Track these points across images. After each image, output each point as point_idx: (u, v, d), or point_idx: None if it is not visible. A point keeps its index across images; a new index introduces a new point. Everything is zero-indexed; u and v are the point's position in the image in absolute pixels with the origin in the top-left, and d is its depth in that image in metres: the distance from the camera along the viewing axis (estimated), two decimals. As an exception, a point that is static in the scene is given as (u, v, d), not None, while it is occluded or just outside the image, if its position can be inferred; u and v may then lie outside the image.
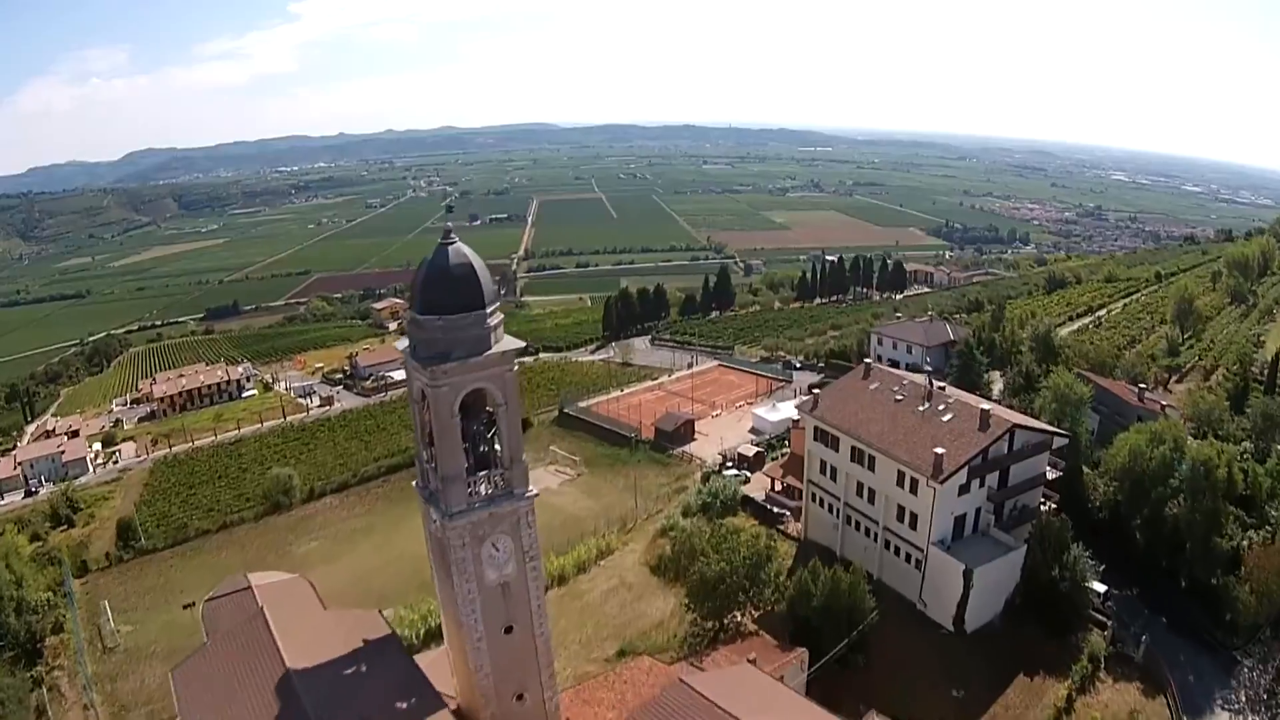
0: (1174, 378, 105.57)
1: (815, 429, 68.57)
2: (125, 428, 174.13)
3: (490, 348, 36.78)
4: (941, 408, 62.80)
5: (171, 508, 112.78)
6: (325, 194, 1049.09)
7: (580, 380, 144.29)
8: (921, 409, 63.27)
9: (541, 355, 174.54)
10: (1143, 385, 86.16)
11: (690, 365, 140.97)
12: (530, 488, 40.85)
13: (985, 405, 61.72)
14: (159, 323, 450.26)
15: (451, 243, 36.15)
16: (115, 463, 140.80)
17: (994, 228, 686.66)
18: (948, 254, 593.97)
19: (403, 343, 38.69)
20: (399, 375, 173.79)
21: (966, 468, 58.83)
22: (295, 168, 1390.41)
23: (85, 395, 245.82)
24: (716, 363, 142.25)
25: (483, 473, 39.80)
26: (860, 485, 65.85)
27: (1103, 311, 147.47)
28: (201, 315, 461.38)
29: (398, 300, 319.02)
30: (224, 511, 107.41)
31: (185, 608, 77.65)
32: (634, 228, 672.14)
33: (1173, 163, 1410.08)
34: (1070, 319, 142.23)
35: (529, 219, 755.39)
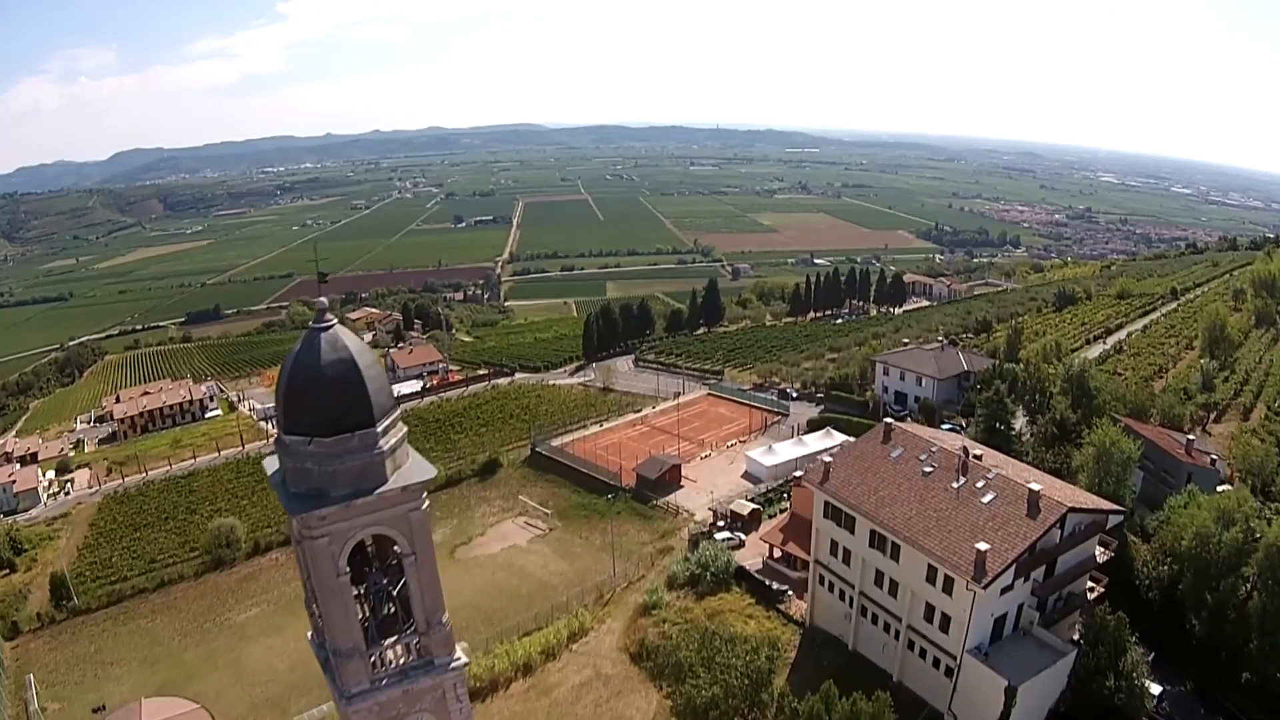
0: (1212, 416, 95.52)
1: (826, 504, 57.75)
2: (85, 450, 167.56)
3: (386, 480, 25.81)
4: (980, 485, 52.15)
5: (113, 554, 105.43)
6: (311, 195, 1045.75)
7: (556, 409, 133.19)
8: (956, 485, 52.59)
9: (518, 376, 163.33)
10: (1191, 437, 75.84)
11: (677, 395, 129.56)
12: (458, 655, 29.91)
13: (1034, 484, 50.94)
14: (139, 327, 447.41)
15: (326, 327, 25.10)
16: (67, 494, 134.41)
17: (984, 230, 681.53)
18: (938, 257, 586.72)
19: (270, 464, 27.62)
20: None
21: (1014, 566, 48.25)
22: (281, 168, 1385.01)
23: (53, 409, 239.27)
24: (705, 391, 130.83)
25: (391, 639, 28.99)
26: (880, 574, 55.15)
27: (1122, 333, 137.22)
28: (183, 319, 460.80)
29: (373, 309, 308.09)
30: (165, 563, 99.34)
31: (95, 711, 69.37)
32: (620, 230, 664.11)
33: (1160, 164, 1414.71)
34: (1087, 342, 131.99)
35: (514, 221, 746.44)
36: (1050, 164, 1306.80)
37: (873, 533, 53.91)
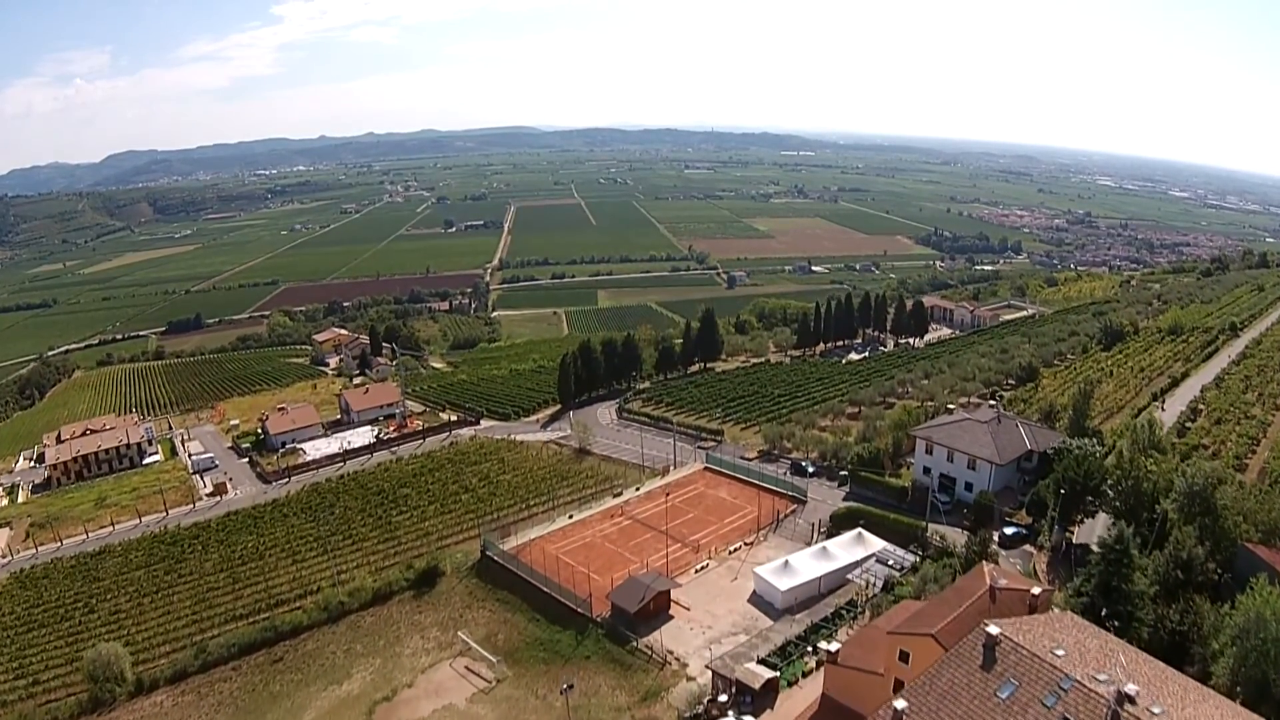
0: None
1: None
2: (19, 498, 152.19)
3: None
4: (1149, 767, 31.70)
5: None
6: (301, 198, 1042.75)
7: (520, 480, 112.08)
8: (1109, 766, 32.14)
9: (484, 425, 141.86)
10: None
11: (666, 470, 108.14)
12: None
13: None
14: (119, 337, 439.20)
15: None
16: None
17: (984, 236, 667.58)
18: (939, 264, 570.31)
19: None
20: (313, 451, 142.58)
21: None
22: (273, 171, 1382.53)
23: (7, 438, 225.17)
24: (701, 464, 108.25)
25: None
26: None
27: (1192, 383, 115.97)
28: (163, 329, 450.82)
29: (341, 330, 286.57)
30: (48, 685, 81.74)
31: None
32: (614, 235, 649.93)
33: (1155, 167, 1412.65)
34: (1154, 396, 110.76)
35: (506, 225, 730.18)
36: (1047, 167, 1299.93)
37: (975, 840, 33.39)
